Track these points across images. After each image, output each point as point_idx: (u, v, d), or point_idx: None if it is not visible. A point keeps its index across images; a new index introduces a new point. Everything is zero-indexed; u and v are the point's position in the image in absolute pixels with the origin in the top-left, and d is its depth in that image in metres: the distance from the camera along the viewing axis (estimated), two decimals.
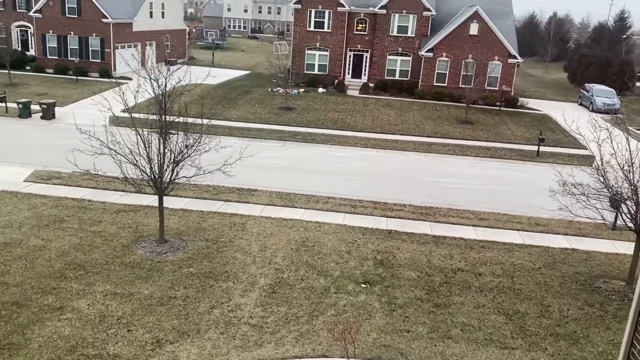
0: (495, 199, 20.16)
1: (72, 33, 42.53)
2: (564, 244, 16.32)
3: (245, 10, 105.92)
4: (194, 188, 18.17)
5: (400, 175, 22.73)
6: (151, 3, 47.61)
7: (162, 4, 49.79)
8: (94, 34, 42.30)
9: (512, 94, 40.65)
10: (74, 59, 42.09)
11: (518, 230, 17.29)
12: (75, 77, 40.29)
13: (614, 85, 44.21)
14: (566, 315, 12.25)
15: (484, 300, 12.68)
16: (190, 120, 13.97)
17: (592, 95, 41.78)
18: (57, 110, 29.22)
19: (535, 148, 27.67)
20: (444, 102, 39.51)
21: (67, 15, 42.19)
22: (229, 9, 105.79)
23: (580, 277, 14.15)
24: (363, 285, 12.98)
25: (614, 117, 15.86)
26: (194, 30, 79.43)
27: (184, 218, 16.40)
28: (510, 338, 11.25)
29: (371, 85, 43.05)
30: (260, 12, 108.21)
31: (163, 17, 50.04)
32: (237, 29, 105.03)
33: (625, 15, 72.87)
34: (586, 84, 44.88)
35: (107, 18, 41.51)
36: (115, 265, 13.20)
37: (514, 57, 39.99)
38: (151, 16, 47.89)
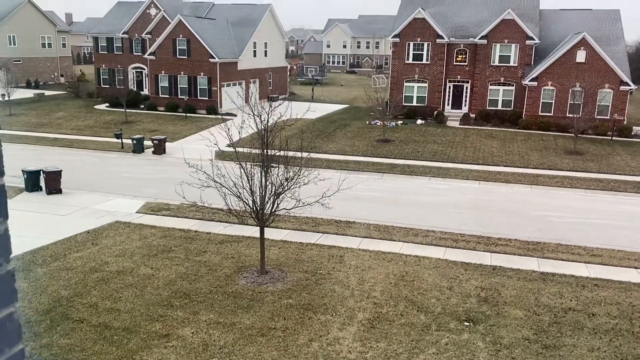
0: (609, 234, 18.93)
1: (182, 73, 46.15)
2: None
3: (344, 46, 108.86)
4: (293, 220, 18.64)
5: (505, 208, 22.06)
6: (255, 43, 50.64)
7: (265, 43, 52.80)
8: (201, 73, 45.52)
9: (625, 122, 38.00)
10: (183, 97, 45.48)
11: (635, 268, 16.09)
12: (184, 114, 43.56)
13: None
14: None
15: (599, 343, 11.94)
16: (290, 153, 14.43)
17: None
18: (168, 145, 31.44)
19: None
20: (550, 132, 37.85)
21: (178, 56, 45.89)
22: (328, 46, 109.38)
23: None
24: (466, 323, 12.70)
25: None
26: (294, 67, 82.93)
27: (284, 249, 16.94)
28: None
29: (472, 115, 42.33)
30: (358, 47, 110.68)
31: (266, 55, 52.96)
32: (336, 64, 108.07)
33: None
34: None
35: (214, 58, 44.58)
36: (218, 295, 13.75)
37: (627, 84, 37.53)
38: (255, 55, 50.91)
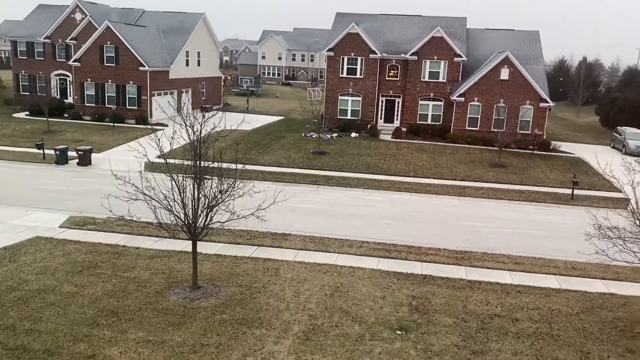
0: (531, 243, 20.02)
1: (109, 81, 44.58)
2: (601, 289, 16.05)
3: (279, 58, 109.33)
4: (227, 233, 18.32)
5: (434, 219, 22.83)
6: (187, 52, 49.83)
7: (198, 52, 52.07)
8: (131, 82, 44.19)
9: (545, 137, 40.54)
10: (111, 106, 43.93)
11: (555, 274, 17.09)
12: (112, 124, 42.01)
13: None
14: None
15: (522, 347, 12.56)
16: (224, 165, 14.19)
17: (624, 138, 41.35)
18: (94, 156, 30.19)
19: (569, 191, 27.42)
20: (477, 146, 39.70)
21: (105, 64, 44.28)
22: (263, 57, 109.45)
23: (619, 323, 13.88)
24: (398, 332, 12.97)
25: None
26: (229, 77, 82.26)
27: (218, 263, 16.64)
28: None
29: (404, 129, 43.64)
30: (294, 59, 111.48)
31: (199, 65, 52.27)
32: (271, 76, 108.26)
33: None
34: (618, 127, 44.48)
35: (144, 66, 43.43)
36: (148, 312, 13.30)
37: (545, 100, 40.11)
38: (187, 64, 50.11)
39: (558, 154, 38.93)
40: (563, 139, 45.12)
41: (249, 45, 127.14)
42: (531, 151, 38.28)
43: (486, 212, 24.33)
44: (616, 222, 14.42)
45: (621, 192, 16.05)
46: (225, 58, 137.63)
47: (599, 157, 28.89)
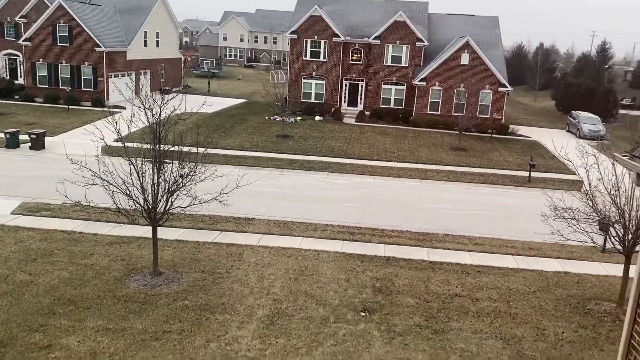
0: (490, 224, 20.55)
1: (63, 61, 42.90)
2: (557, 268, 16.68)
3: (241, 40, 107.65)
4: (189, 218, 18.11)
5: (397, 202, 23.13)
6: (145, 32, 48.44)
7: (157, 32, 50.71)
8: (86, 63, 42.69)
9: (503, 121, 41.51)
10: (65, 87, 42.21)
11: (513, 254, 17.64)
12: (66, 106, 40.47)
13: (598, 112, 45.34)
14: (561, 338, 12.53)
15: (482, 325, 12.94)
16: (185, 149, 13.92)
17: (578, 123, 42.79)
18: (47, 140, 29.08)
19: (526, 174, 28.23)
20: (438, 130, 40.29)
21: (59, 44, 42.56)
22: (224, 38, 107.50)
23: (573, 300, 14.47)
24: (362, 314, 13.14)
25: (600, 143, 16.47)
26: (189, 59, 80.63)
27: (179, 249, 16.40)
28: None
29: (367, 113, 43.83)
30: (256, 41, 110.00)
31: (158, 46, 50.94)
32: (233, 57, 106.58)
33: (607, 46, 75.66)
34: (573, 112, 45.96)
35: (100, 47, 42.02)
36: (107, 300, 13.04)
37: (504, 85, 40.96)
38: (145, 45, 48.75)
39: (516, 137, 39.97)
40: (521, 122, 46.31)
41: (209, 27, 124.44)
42: (490, 135, 39.14)
43: (447, 195, 24.81)
44: (571, 203, 14.94)
45: (575, 174, 16.62)
46: (185, 39, 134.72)
47: (554, 140, 29.67)
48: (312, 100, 45.34)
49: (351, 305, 13.54)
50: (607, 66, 73.83)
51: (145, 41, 48.76)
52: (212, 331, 11.96)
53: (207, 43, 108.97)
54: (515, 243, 18.62)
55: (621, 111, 51.31)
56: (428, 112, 41.95)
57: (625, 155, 6.40)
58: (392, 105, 44.41)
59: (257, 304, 13.30)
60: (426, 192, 25.09)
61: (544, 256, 17.57)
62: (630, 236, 13.19)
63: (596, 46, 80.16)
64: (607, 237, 14.07)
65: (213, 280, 14.45)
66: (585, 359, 11.75)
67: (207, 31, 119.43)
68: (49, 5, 43.70)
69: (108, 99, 42.85)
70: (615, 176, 13.38)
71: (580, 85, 54.80)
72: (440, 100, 41.87)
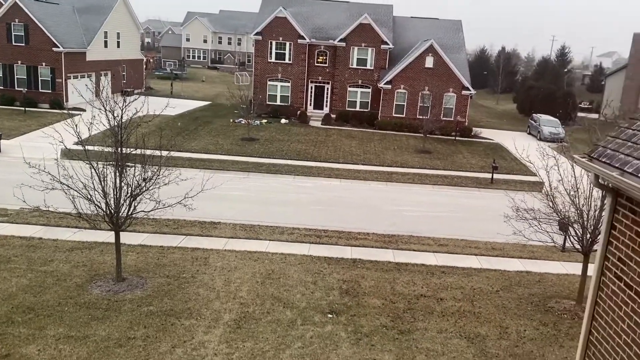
0: (454, 226, 20.87)
1: (19, 62, 41.48)
2: (519, 267, 17.06)
3: (205, 41, 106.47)
4: (153, 223, 17.84)
5: (363, 205, 23.24)
6: (106, 32, 47.32)
7: (118, 33, 49.59)
8: (43, 63, 41.38)
9: (466, 124, 42.29)
10: (21, 89, 40.85)
11: (476, 255, 17.95)
12: (23, 108, 39.05)
13: (558, 115, 46.72)
14: (523, 335, 12.80)
15: (447, 324, 13.10)
16: (148, 152, 13.71)
17: (539, 125, 43.98)
18: (3, 143, 28.07)
19: (489, 175, 28.82)
20: (403, 133, 40.74)
21: (14, 43, 41.11)
22: (187, 39, 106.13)
23: (534, 298, 14.82)
24: (329, 316, 13.15)
25: (559, 146, 16.96)
26: (151, 60, 79.26)
27: (143, 254, 16.09)
28: None
29: (333, 116, 43.95)
30: (220, 42, 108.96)
31: (119, 46, 49.81)
32: (196, 59, 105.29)
33: (566, 51, 78.16)
34: (534, 114, 47.22)
35: (58, 47, 40.81)
36: (68, 307, 12.69)
37: (467, 89, 41.75)
38: (106, 46, 47.64)
39: (479, 140, 40.77)
40: (483, 125, 47.30)
41: (172, 27, 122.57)
42: (454, 137, 39.82)
43: (412, 197, 25.09)
44: (532, 204, 15.32)
45: (536, 176, 17.03)
46: (147, 40, 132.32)
47: (516, 142, 30.54)
48: (278, 102, 45.16)
49: (318, 307, 13.52)
50: (566, 70, 76.29)
51: (106, 42, 47.63)
52: (177, 336, 11.77)
53: (170, 44, 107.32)
54: (478, 244, 18.96)
55: (580, 114, 53.02)
56: (393, 115, 42.39)
57: (584, 157, 6.57)
58: (358, 108, 44.66)
59: (224, 308, 13.15)
60: (392, 195, 25.31)
61: (506, 256, 17.94)
62: (588, 236, 13.60)
63: (556, 50, 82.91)
64: (567, 236, 14.48)
65: (178, 285, 14.21)
66: (547, 355, 12.03)
67: (170, 32, 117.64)
68: (3, 3, 42.15)
69: (67, 100, 41.62)
70: (575, 177, 13.79)
71: (540, 89, 56.40)
72: (405, 103, 42.35)
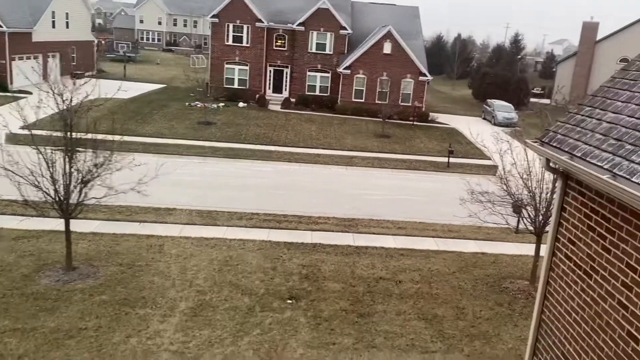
0: (412, 209, 21.14)
1: None
2: (474, 249, 17.44)
3: (160, 23, 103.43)
4: (105, 210, 17.26)
5: (324, 189, 23.22)
6: (53, 12, 45.25)
7: (67, 13, 47.51)
8: None
9: (424, 109, 42.76)
10: None
11: (433, 237, 18.25)
12: None
13: (511, 101, 47.86)
14: (479, 316, 13.11)
15: (405, 306, 13.28)
16: (99, 137, 13.33)
17: (493, 110, 44.93)
18: None
19: (445, 159, 29.30)
20: (363, 117, 40.83)
21: None
22: (141, 21, 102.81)
23: (490, 279, 15.20)
24: (289, 301, 13.10)
25: (513, 130, 17.40)
26: (103, 42, 76.43)
27: (95, 242, 15.61)
28: (430, 342, 11.86)
29: (293, 100, 43.59)
30: (175, 24, 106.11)
31: (68, 27, 47.78)
32: (151, 41, 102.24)
33: (519, 38, 79.90)
34: (488, 100, 48.17)
35: (2, 27, 38.78)
36: (14, 298, 12.17)
37: (424, 74, 42.15)
38: (54, 26, 45.58)
39: (436, 125, 41.33)
40: (440, 110, 47.93)
41: (125, 8, 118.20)
42: (412, 122, 40.23)
43: (372, 181, 25.24)
44: (487, 187, 15.65)
45: (491, 159, 17.42)
46: (99, 21, 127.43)
47: (471, 127, 31.01)
48: (236, 86, 44.41)
49: (277, 293, 13.45)
50: (519, 57, 78.10)
51: (54, 22, 45.53)
52: (132, 326, 11.50)
53: (123, 25, 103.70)
54: (436, 226, 19.27)
55: (532, 100, 54.45)
56: (353, 99, 42.40)
57: (536, 142, 6.66)
58: (317, 93, 44.44)
59: (180, 296, 12.91)
60: (352, 179, 25.38)
61: (462, 238, 18.31)
62: (540, 217, 13.99)
63: (509, 38, 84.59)
64: (520, 218, 14.88)
65: (132, 273, 13.87)
66: (501, 334, 12.37)
67: (123, 13, 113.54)
68: None
69: (12, 83, 39.68)
70: (527, 161, 14.13)
71: (495, 75, 57.57)
72: (364, 88, 42.42)
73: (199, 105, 38.19)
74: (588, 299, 5.68)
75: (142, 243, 15.85)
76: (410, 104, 41.64)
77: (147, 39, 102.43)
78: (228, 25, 43.62)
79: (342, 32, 43.74)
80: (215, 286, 13.56)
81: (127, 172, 13.58)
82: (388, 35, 41.28)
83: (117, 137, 13.78)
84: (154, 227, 17.19)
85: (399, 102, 40.36)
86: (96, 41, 57.28)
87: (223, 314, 12.31)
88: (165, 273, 14.04)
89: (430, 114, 42.79)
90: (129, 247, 15.52)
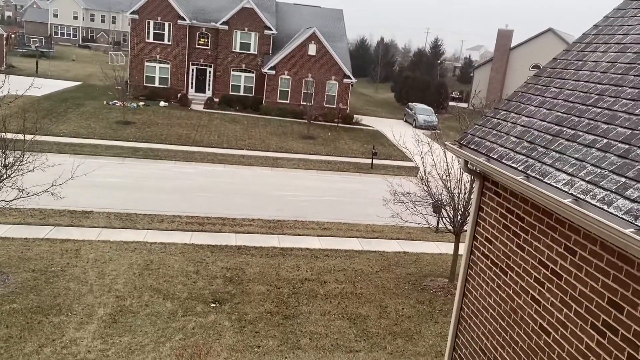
0: (337, 210, 21.35)
1: None
2: (396, 248, 17.90)
3: (75, 17, 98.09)
4: (15, 213, 16.33)
5: (249, 190, 22.92)
6: None
7: None
8: None
9: (348, 111, 43.45)
10: None
11: (357, 237, 18.53)
12: None
13: (432, 104, 49.77)
14: (401, 314, 13.44)
15: (330, 307, 13.35)
16: (9, 136, 12.63)
17: (414, 113, 46.49)
18: None
19: (369, 161, 29.91)
20: (288, 119, 40.80)
21: None
22: (55, 15, 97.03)
23: (411, 278, 15.65)
24: (212, 305, 12.82)
25: (433, 133, 18.05)
26: (12, 36, 71.38)
27: (4, 247, 14.59)
28: (354, 341, 11.99)
29: (216, 100, 42.76)
30: (92, 20, 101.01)
31: None
32: (66, 37, 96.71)
33: (439, 43, 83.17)
34: (410, 103, 49.80)
35: None
36: None
37: (349, 77, 42.85)
38: None
39: (360, 127, 42.10)
40: (364, 113, 48.92)
41: (37, 1, 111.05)
42: (336, 124, 40.74)
43: (297, 182, 25.24)
44: (408, 188, 16.09)
45: (412, 161, 17.93)
46: (8, 13, 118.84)
47: (394, 130, 31.98)
48: (157, 84, 42.94)
49: (201, 297, 13.10)
50: (439, 61, 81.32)
51: None
52: (45, 335, 10.85)
53: (35, 19, 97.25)
54: (359, 226, 19.58)
55: (451, 103, 56.84)
56: (278, 100, 42.27)
57: (455, 144, 6.89)
58: (242, 93, 43.89)
59: (98, 302, 12.30)
60: (277, 180, 25.25)
61: (385, 238, 18.73)
62: (459, 217, 14.57)
63: (430, 43, 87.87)
64: (440, 218, 15.42)
65: (46, 279, 13.07)
66: (423, 332, 12.75)
67: (35, 6, 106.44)
68: None
69: None
70: (447, 163, 14.67)
71: (416, 79, 59.60)
72: (289, 89, 42.42)
73: (117, 104, 36.48)
74: (504, 295, 5.93)
75: (57, 248, 14.92)
76: (334, 106, 42.14)
77: (62, 34, 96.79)
78: (149, 22, 42.10)
79: (266, 32, 43.50)
80: (135, 291, 13.00)
81: (40, 173, 12.91)
82: (313, 37, 41.56)
83: (28, 137, 12.96)
84: (70, 230, 16.25)
85: (324, 103, 40.77)
86: (5, 35, 53.34)
87: (144, 319, 11.83)
88: (82, 278, 13.29)
89: (355, 116, 43.54)
90: (42, 252, 14.57)
